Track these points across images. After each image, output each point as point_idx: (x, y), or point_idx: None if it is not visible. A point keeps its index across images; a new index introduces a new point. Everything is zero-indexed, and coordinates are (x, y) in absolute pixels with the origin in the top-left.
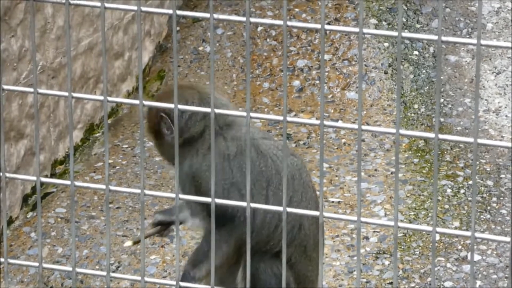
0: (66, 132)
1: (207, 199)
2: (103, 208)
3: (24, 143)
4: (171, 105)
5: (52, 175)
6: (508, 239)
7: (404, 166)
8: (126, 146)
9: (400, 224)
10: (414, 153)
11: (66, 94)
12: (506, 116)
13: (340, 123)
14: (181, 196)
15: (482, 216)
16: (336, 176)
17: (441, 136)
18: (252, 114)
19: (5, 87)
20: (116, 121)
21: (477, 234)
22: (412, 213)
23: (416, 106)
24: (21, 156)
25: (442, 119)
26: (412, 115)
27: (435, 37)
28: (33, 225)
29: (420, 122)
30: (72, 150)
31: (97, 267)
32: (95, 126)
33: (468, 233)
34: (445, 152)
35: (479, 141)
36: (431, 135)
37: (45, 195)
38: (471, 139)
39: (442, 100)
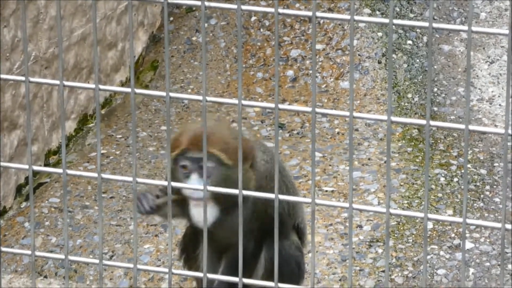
0: (60, 122)
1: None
2: (96, 197)
3: (17, 133)
4: (163, 93)
5: (46, 165)
6: (499, 225)
7: (397, 155)
8: (120, 136)
9: (392, 211)
10: (408, 142)
11: (57, 82)
12: (499, 105)
13: (331, 111)
14: (173, 184)
15: (475, 204)
16: (330, 165)
17: (432, 122)
18: (244, 102)
19: None
20: (109, 112)
21: (469, 221)
22: (406, 202)
23: (409, 95)
24: (14, 146)
25: (435, 108)
26: (406, 104)
27: (426, 24)
28: (26, 215)
29: (414, 111)
30: (64, 138)
31: (90, 256)
32: (89, 117)
33: (460, 219)
34: (439, 141)
35: (471, 127)
36: (423, 121)
37: (38, 185)
38: (462, 126)
39: (435, 89)
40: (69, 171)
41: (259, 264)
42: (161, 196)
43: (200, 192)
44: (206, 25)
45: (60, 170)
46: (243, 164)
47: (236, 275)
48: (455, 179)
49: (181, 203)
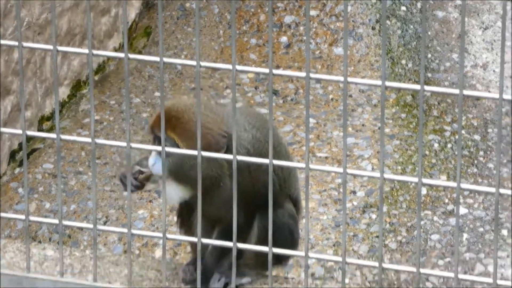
0: (53, 88)
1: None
2: (90, 163)
3: (10, 99)
4: (156, 58)
5: (39, 131)
6: (493, 190)
7: (391, 121)
8: (113, 102)
9: (386, 176)
10: (402, 108)
11: (51, 47)
12: (493, 71)
13: (325, 76)
14: (167, 149)
15: (469, 170)
16: (324, 131)
17: (427, 88)
18: (238, 68)
19: None
20: (103, 78)
21: (463, 186)
22: (399, 168)
23: (403, 61)
24: (8, 112)
25: (429, 74)
26: (400, 70)
27: None
28: (20, 180)
29: (408, 77)
30: (58, 104)
31: (84, 222)
32: (82, 83)
33: (454, 184)
34: (433, 107)
35: (465, 92)
36: (417, 87)
37: (32, 151)
38: (456, 91)
39: (429, 55)
40: (63, 136)
41: (252, 232)
42: (145, 172)
43: (157, 168)
44: None
45: (53, 135)
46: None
47: (229, 242)
48: (449, 145)
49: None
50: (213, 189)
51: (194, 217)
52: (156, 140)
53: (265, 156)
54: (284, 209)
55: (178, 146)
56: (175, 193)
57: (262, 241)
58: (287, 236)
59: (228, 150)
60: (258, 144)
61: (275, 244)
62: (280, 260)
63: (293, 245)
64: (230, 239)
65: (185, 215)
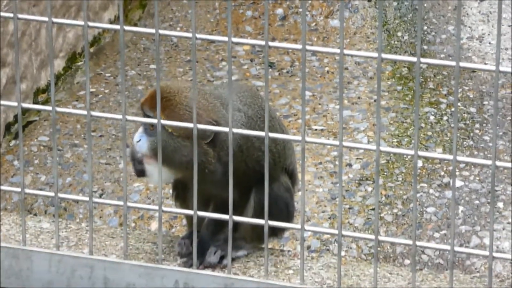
0: (48, 60)
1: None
2: (86, 136)
3: (5, 71)
4: (152, 30)
5: (35, 104)
6: (489, 162)
7: (387, 94)
8: (109, 75)
9: (382, 148)
10: (398, 81)
11: (46, 19)
12: (489, 43)
13: (321, 48)
14: (163, 121)
15: (465, 143)
16: (320, 104)
17: (423, 60)
18: (234, 40)
19: None
20: (98, 50)
21: (459, 158)
22: (395, 140)
23: (399, 33)
24: (3, 84)
25: (425, 47)
26: (396, 42)
27: None
28: (15, 153)
29: (404, 49)
30: (53, 76)
31: (80, 194)
32: (77, 55)
33: (450, 157)
34: (428, 80)
35: (461, 64)
36: (413, 59)
37: (27, 123)
38: (453, 63)
39: (425, 27)
40: (58, 109)
41: (248, 206)
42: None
43: (141, 145)
44: None
45: (49, 108)
46: (195, 139)
47: (225, 215)
48: (445, 118)
49: None
50: (202, 173)
51: (189, 191)
52: (143, 116)
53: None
54: (279, 182)
55: (165, 129)
56: (163, 172)
57: (258, 214)
58: (283, 209)
59: (216, 138)
60: (250, 122)
61: (271, 217)
62: (275, 232)
63: (288, 218)
64: (226, 214)
65: (180, 188)
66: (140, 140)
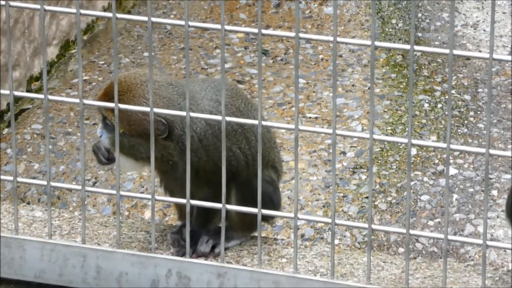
0: (41, 48)
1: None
2: (79, 124)
3: None
4: (145, 18)
5: (28, 92)
6: (483, 150)
7: (381, 81)
8: (102, 62)
9: (376, 137)
10: (392, 68)
11: (38, 7)
12: (484, 30)
13: (315, 36)
14: (156, 109)
15: (459, 130)
16: (313, 92)
17: (417, 47)
18: (227, 27)
19: None
20: (91, 38)
21: (453, 146)
22: (389, 128)
23: (393, 21)
24: None
25: (419, 34)
26: (390, 30)
27: None
28: (8, 141)
29: (398, 37)
30: (46, 64)
31: (73, 183)
32: (71, 43)
33: (444, 145)
34: (423, 67)
35: (455, 52)
36: (407, 46)
37: (20, 111)
38: (447, 51)
39: (419, 14)
40: (51, 97)
41: (230, 201)
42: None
43: (103, 139)
44: None
45: (42, 96)
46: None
47: (218, 203)
48: (439, 105)
49: None
50: (166, 166)
51: (176, 183)
52: (103, 119)
53: (222, 136)
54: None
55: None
56: (127, 164)
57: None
58: (268, 202)
59: (172, 135)
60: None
61: (254, 215)
62: (265, 222)
63: (274, 209)
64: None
65: (166, 180)
66: (101, 135)
